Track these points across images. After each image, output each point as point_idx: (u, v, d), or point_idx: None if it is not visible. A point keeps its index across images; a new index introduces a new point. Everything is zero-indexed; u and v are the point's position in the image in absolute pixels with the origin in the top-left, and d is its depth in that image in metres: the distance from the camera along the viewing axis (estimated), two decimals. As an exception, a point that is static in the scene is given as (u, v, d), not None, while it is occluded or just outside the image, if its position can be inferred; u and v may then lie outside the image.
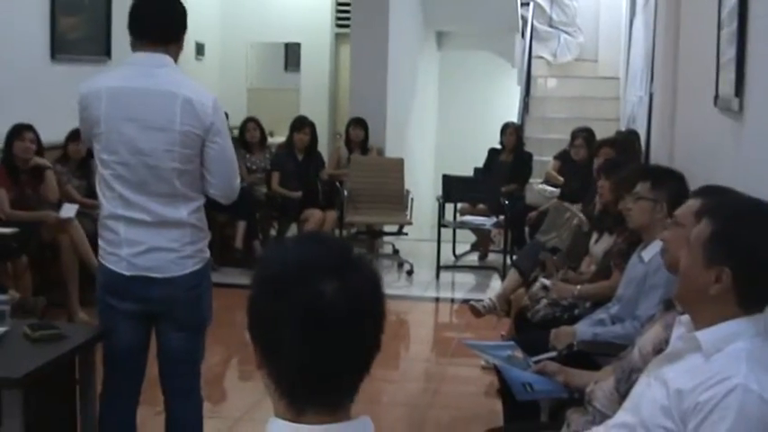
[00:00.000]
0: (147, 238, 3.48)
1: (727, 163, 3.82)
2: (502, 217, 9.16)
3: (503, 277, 8.92)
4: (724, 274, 2.21)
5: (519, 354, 3.71)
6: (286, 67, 13.22)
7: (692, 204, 2.94)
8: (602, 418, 3.01)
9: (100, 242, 3.56)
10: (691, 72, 5.29)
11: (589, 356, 3.99)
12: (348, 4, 11.82)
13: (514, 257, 9.38)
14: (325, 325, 1.49)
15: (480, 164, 10.07)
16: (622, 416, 2.45)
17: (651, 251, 4.03)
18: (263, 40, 12.76)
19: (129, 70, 3.52)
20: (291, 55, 13.12)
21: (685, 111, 5.45)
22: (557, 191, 8.99)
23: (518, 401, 3.93)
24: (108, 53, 8.49)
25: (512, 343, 3.88)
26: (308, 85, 12.75)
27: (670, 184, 4.08)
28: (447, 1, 11.60)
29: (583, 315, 4.57)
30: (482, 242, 10.09)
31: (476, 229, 9.85)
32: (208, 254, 3.72)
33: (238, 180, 3.70)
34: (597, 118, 10.68)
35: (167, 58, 3.53)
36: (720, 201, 2.44)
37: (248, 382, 6.36)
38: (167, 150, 3.44)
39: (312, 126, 9.35)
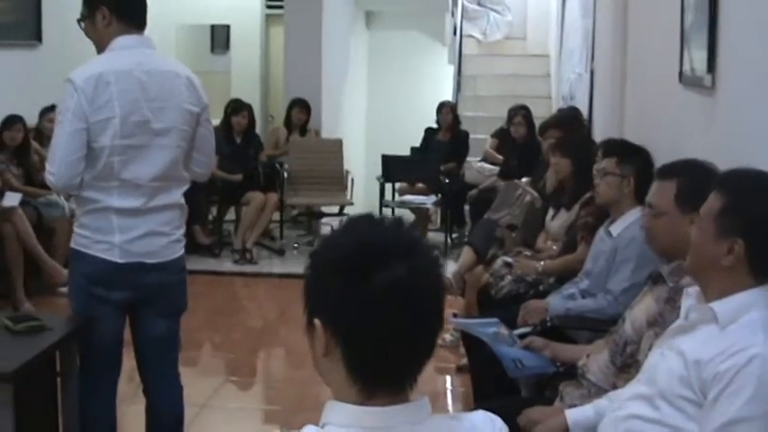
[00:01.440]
0: (141, 223, 3.44)
1: (696, 140, 3.88)
2: (440, 195, 9.26)
3: (444, 255, 9.02)
4: (737, 246, 2.27)
5: (504, 330, 3.76)
6: (213, 50, 13.07)
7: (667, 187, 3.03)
8: (597, 390, 3.08)
9: (83, 231, 3.45)
10: (643, 48, 5.37)
11: (560, 330, 4.05)
12: (279, -15, 11.77)
13: (455, 236, 9.51)
14: (404, 306, 1.50)
15: (413, 143, 10.13)
16: (636, 387, 2.50)
17: (619, 226, 4.11)
18: (191, 22, 12.59)
19: (127, 53, 3.43)
20: (218, 37, 12.99)
21: (639, 87, 5.52)
22: (495, 169, 9.09)
23: (489, 378, 4.00)
24: (38, 38, 8.31)
25: (496, 320, 3.91)
26: (238, 67, 12.63)
27: (636, 159, 4.16)
28: (377, -20, 11.61)
29: (548, 291, 4.63)
30: (420, 221, 10.15)
31: (414, 208, 9.91)
32: None
33: None
34: (528, 95, 10.76)
35: (152, 40, 3.54)
36: (728, 173, 2.49)
37: (195, 368, 6.29)
38: (181, 129, 3.47)
39: (249, 109, 9.28)
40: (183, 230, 3.64)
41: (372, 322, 1.50)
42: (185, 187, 3.62)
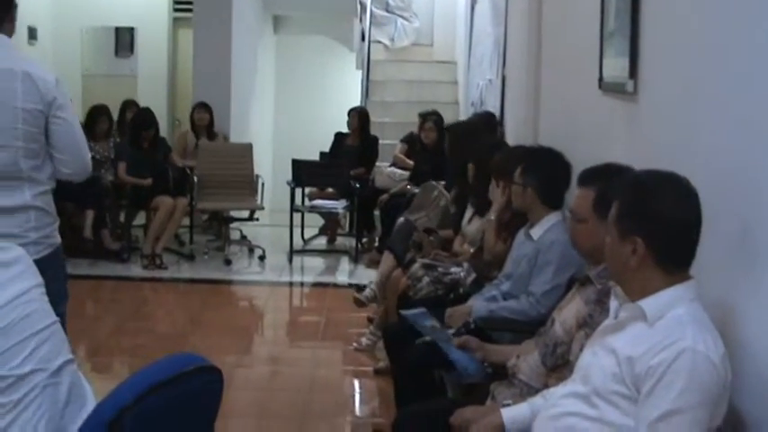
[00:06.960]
0: None
1: (618, 146, 3.94)
2: (350, 200, 9.29)
3: (355, 260, 9.05)
4: (637, 245, 2.40)
5: (435, 323, 3.82)
6: (117, 53, 12.87)
7: (587, 195, 3.09)
8: (530, 390, 3.13)
9: None
10: (560, 55, 5.45)
11: (483, 332, 4.09)
12: (187, -12, 11.66)
13: (364, 240, 9.54)
14: None
15: (322, 148, 10.14)
16: (571, 386, 2.56)
17: (539, 230, 4.17)
18: (97, 25, 12.40)
19: None
20: (122, 40, 12.81)
21: (555, 94, 5.61)
22: (406, 174, 9.15)
23: (413, 380, 4.03)
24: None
25: (423, 309, 3.95)
26: (145, 70, 12.48)
27: (540, 166, 4.19)
28: (286, -16, 11.58)
29: (467, 293, 4.66)
30: (330, 226, 10.16)
31: (324, 213, 9.91)
32: (57, 239, 3.63)
33: (89, 155, 3.65)
34: (435, 101, 10.90)
35: (1, 37, 3.45)
36: (619, 181, 2.66)
37: (106, 374, 6.15)
38: (12, 128, 3.38)
39: (155, 121, 9.13)
40: (41, 233, 3.52)
41: None
42: (41, 189, 3.52)
